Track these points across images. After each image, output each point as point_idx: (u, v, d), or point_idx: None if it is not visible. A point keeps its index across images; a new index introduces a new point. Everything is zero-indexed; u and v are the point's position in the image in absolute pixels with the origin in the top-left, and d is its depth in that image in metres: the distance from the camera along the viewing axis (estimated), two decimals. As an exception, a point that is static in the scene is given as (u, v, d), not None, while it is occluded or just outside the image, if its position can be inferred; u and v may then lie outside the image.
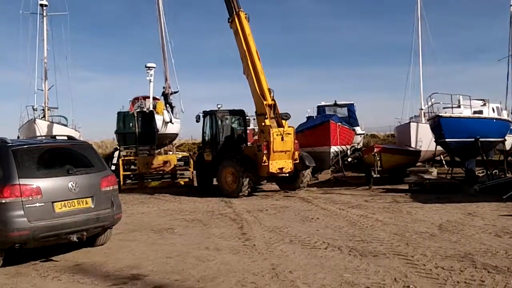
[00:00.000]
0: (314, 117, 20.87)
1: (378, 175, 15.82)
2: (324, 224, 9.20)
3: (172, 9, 42.69)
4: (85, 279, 5.99)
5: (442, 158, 21.52)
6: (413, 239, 7.60)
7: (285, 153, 13.90)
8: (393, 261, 6.33)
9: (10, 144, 6.68)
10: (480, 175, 16.33)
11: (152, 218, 10.76)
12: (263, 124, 14.00)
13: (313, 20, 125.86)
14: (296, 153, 14.15)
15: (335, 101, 23.86)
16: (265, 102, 14.05)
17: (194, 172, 17.77)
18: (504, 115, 22.20)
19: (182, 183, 18.13)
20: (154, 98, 25.60)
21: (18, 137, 23.59)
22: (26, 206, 6.27)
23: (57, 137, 8.71)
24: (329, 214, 10.37)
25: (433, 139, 16.83)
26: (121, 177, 17.07)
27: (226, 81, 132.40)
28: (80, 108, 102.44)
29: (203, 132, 16.74)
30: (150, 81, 24.03)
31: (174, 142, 27.79)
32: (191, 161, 18.68)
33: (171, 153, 22.22)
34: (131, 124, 18.76)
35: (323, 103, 24.02)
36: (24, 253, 6.93)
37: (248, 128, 18.61)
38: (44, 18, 26.55)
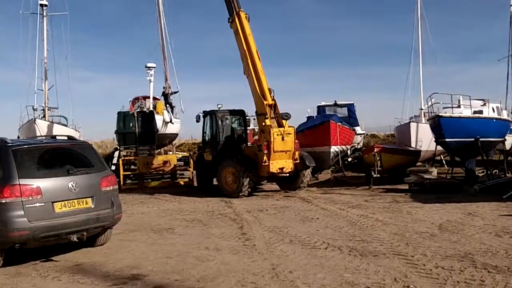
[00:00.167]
0: (314, 117, 20.88)
1: (378, 175, 15.82)
2: (324, 224, 9.20)
3: (172, 9, 42.87)
4: (85, 279, 6.00)
5: (442, 158, 21.51)
6: (413, 239, 7.61)
7: (286, 153, 13.89)
8: (393, 261, 6.33)
9: (10, 144, 6.68)
10: (480, 175, 16.33)
11: (152, 218, 10.76)
12: (263, 124, 13.98)
13: (313, 20, 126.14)
14: (297, 153, 14.15)
15: (335, 101, 23.85)
16: (265, 102, 14.04)
17: (194, 172, 17.77)
18: (504, 115, 22.18)
19: (182, 183, 18.13)
20: (154, 98, 25.61)
21: (18, 137, 23.58)
22: (26, 206, 6.27)
23: (57, 137, 8.73)
24: (329, 214, 10.37)
25: (433, 139, 16.82)
26: (121, 177, 17.07)
27: (226, 81, 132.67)
28: (80, 108, 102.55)
29: (203, 132, 16.73)
30: (150, 81, 24.04)
31: (174, 142, 27.80)
32: (191, 161, 18.68)
33: (171, 153, 22.22)
34: (131, 124, 18.76)
35: (323, 103, 24.01)
36: (24, 253, 6.93)
37: (248, 128, 18.61)
38: (44, 18, 26.55)
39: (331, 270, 6.01)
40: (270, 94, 14.32)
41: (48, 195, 6.47)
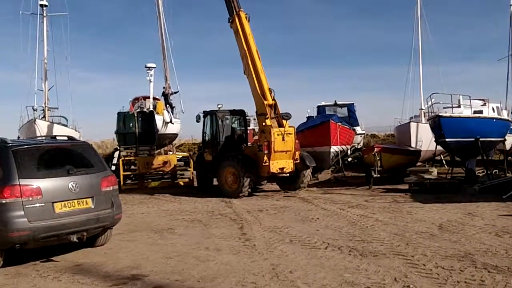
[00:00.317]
0: (314, 117, 20.89)
1: (378, 175, 15.81)
2: (324, 224, 9.20)
3: (172, 9, 42.54)
4: (85, 280, 6.00)
5: (442, 158, 21.51)
6: (413, 239, 7.61)
7: (286, 153, 13.89)
8: (393, 261, 6.33)
9: (10, 145, 6.68)
10: (480, 175, 16.34)
11: (152, 218, 10.76)
12: (263, 124, 13.98)
13: (313, 20, 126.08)
14: (297, 153, 14.14)
15: (335, 101, 23.84)
16: (265, 102, 14.04)
17: (194, 172, 17.77)
18: (504, 115, 22.18)
19: (182, 183, 18.12)
20: (154, 98, 25.58)
21: (18, 137, 23.56)
22: (26, 206, 6.27)
23: (57, 137, 8.70)
24: (329, 214, 10.37)
25: (433, 139, 16.82)
26: (121, 177, 17.05)
27: (226, 81, 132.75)
28: (80, 108, 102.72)
29: (203, 132, 16.72)
30: (150, 81, 24.00)
31: (174, 142, 27.77)
32: (191, 161, 18.67)
33: (171, 153, 22.23)
34: (131, 124, 18.76)
35: (323, 103, 24.00)
36: (24, 253, 6.93)
37: (248, 128, 18.61)
38: (44, 18, 26.49)
39: (331, 270, 6.01)
40: (270, 94, 14.32)
41: (48, 196, 6.47)
